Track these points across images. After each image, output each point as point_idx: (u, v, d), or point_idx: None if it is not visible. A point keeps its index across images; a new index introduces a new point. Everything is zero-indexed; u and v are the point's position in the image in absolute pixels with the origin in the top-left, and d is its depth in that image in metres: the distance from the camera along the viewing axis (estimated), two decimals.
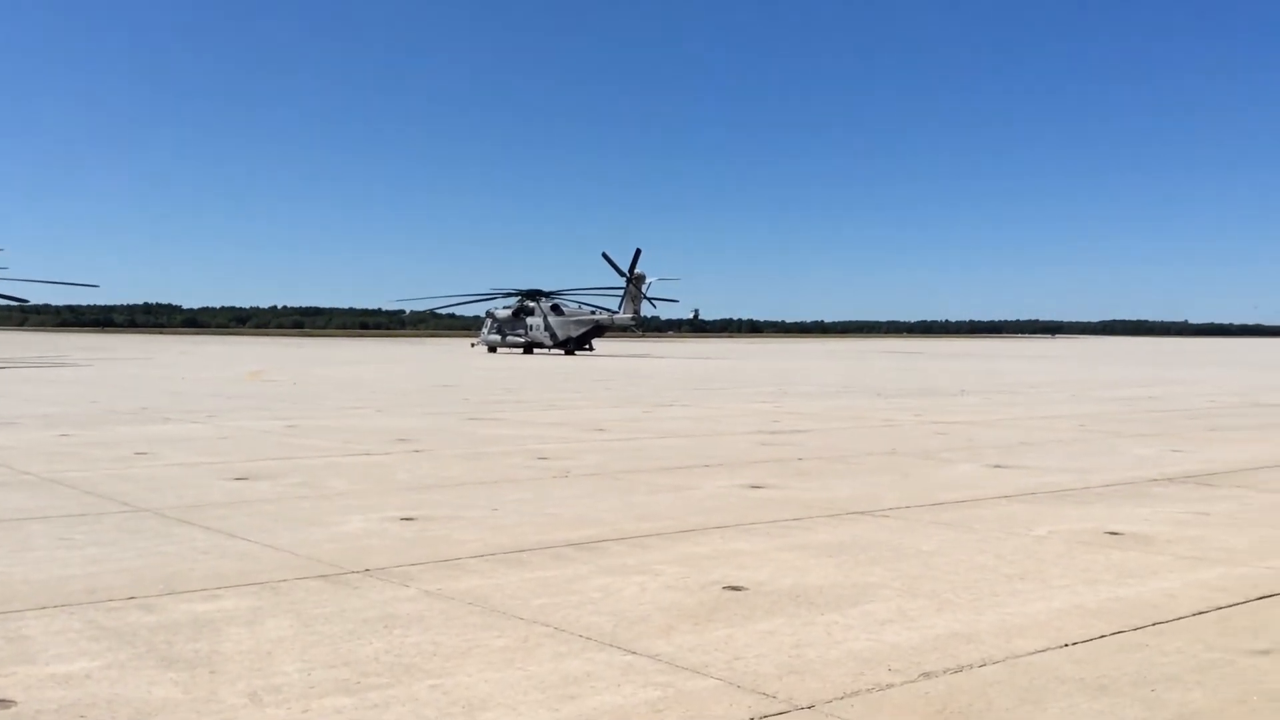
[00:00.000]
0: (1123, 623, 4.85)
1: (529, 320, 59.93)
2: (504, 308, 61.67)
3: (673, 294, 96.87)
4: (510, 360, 49.13)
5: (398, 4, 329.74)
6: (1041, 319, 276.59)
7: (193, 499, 8.18)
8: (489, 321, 62.16)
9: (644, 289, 59.11)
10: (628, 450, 11.92)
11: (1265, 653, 4.43)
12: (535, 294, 60.52)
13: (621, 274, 58.65)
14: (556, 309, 59.79)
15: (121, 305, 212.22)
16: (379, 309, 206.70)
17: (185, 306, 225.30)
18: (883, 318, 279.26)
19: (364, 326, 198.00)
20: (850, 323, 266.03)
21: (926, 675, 4.10)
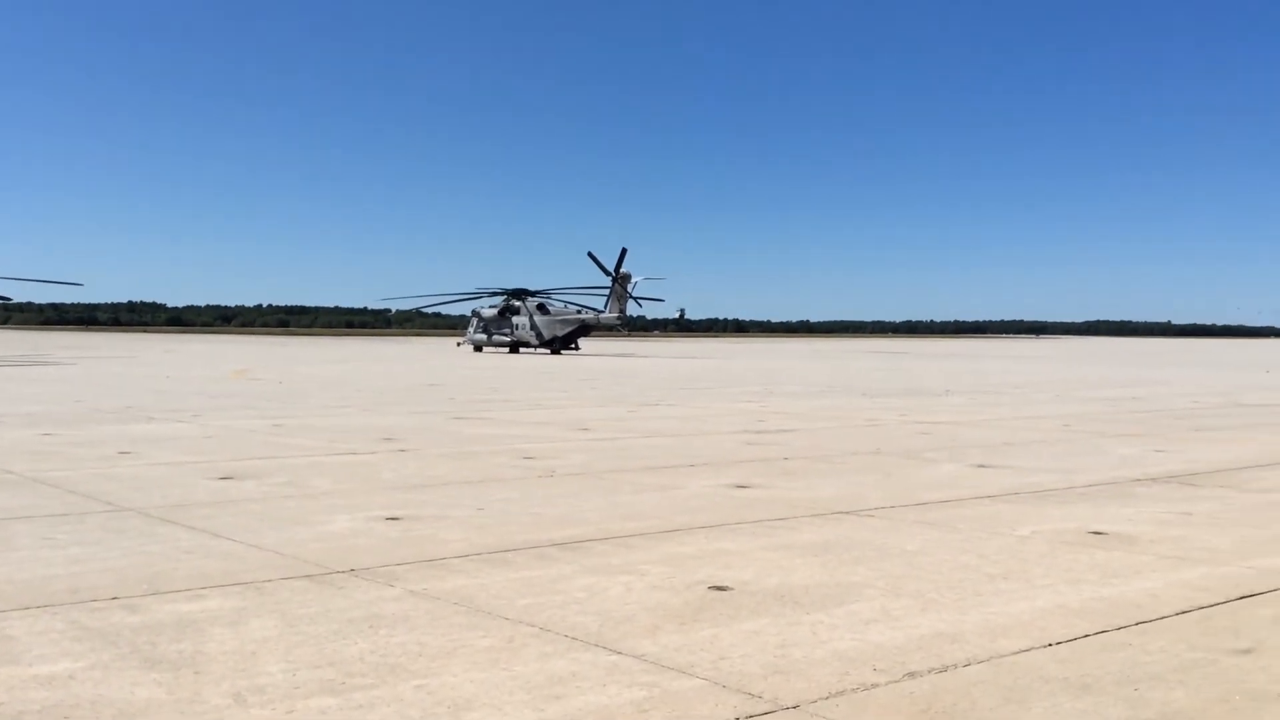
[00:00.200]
0: (1106, 622, 4.87)
1: (515, 319, 59.89)
2: (490, 307, 61.60)
3: (658, 293, 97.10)
4: (496, 359, 49.08)
5: (387, 4, 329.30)
6: (1026, 319, 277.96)
7: (177, 498, 8.15)
8: (475, 321, 62.09)
9: (630, 288, 59.08)
10: (613, 450, 11.92)
11: (1247, 652, 4.46)
12: (521, 293, 60.46)
13: (607, 273, 58.63)
14: (542, 308, 59.75)
15: (105, 304, 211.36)
16: (365, 308, 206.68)
17: (170, 305, 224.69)
18: (868, 318, 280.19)
19: (350, 325, 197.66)
20: (836, 323, 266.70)
21: (911, 675, 4.11)
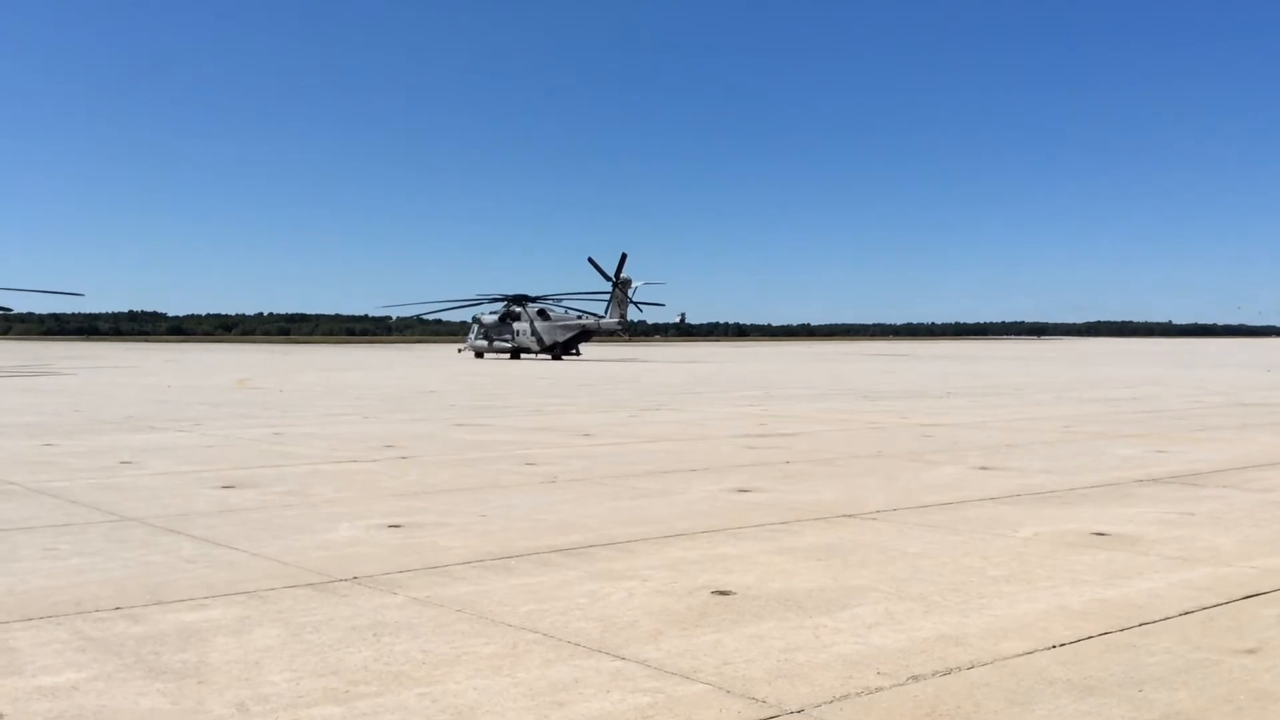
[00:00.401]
0: (1109, 623, 4.87)
1: (516, 325, 59.89)
2: (490, 313, 61.60)
3: (659, 298, 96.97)
4: (497, 366, 49.08)
5: (387, 13, 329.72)
6: (1027, 320, 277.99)
7: (179, 508, 8.15)
8: (476, 327, 62.09)
9: (630, 293, 59.10)
10: (614, 455, 11.92)
11: (1251, 652, 4.46)
12: (522, 299, 60.48)
13: (607, 278, 58.65)
14: (543, 314, 59.77)
15: (106, 313, 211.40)
16: (365, 315, 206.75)
17: (170, 314, 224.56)
18: (868, 320, 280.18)
19: (350, 333, 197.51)
20: (836, 325, 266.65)
21: (915, 678, 4.11)
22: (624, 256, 58.74)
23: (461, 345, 66.54)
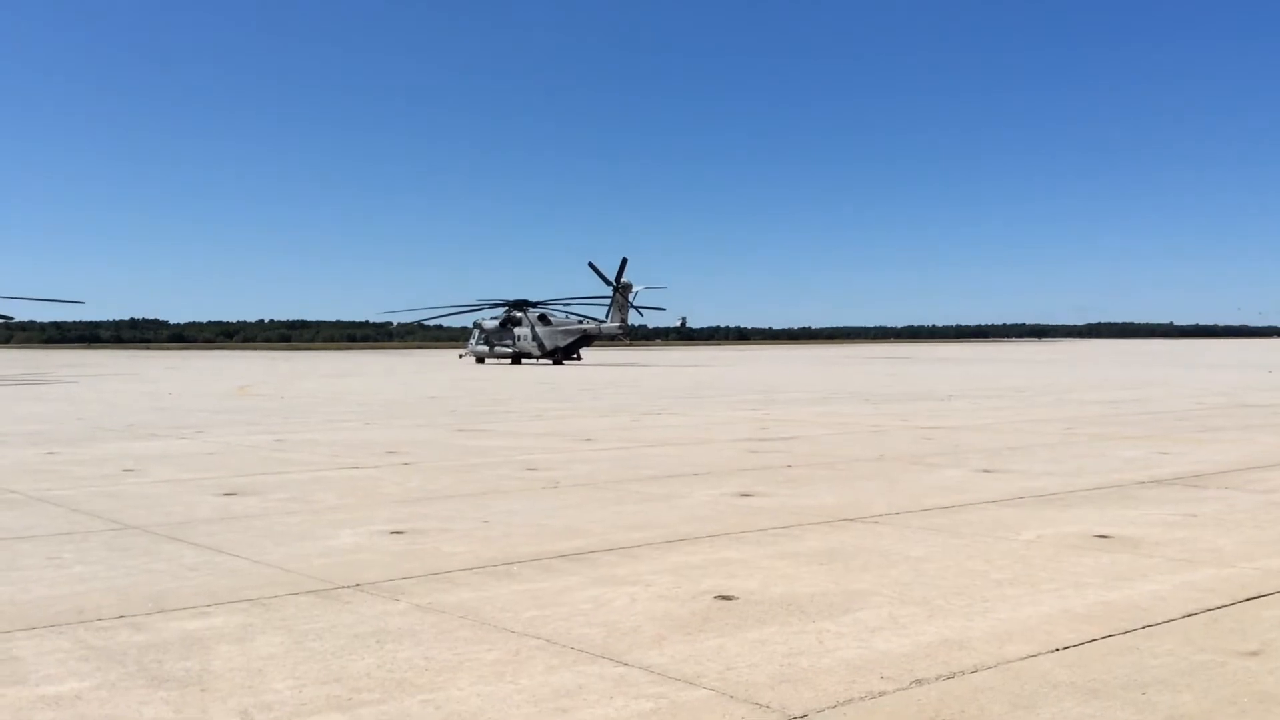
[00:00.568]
0: (1113, 626, 4.87)
1: (517, 330, 59.92)
2: (491, 318, 61.64)
3: (660, 302, 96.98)
4: (498, 371, 49.09)
5: (387, 16, 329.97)
6: (1028, 323, 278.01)
7: (181, 516, 8.15)
8: (477, 332, 62.12)
9: (631, 298, 59.11)
10: (616, 460, 11.92)
11: (1255, 654, 4.45)
12: (522, 304, 60.50)
13: (608, 283, 58.66)
14: (544, 319, 59.78)
15: (107, 321, 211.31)
16: (366, 321, 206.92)
17: (171, 322, 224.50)
18: (870, 323, 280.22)
19: (351, 339, 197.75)
20: (837, 329, 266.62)
21: (918, 682, 4.11)
22: (624, 261, 58.80)
23: (462, 351, 66.56)
